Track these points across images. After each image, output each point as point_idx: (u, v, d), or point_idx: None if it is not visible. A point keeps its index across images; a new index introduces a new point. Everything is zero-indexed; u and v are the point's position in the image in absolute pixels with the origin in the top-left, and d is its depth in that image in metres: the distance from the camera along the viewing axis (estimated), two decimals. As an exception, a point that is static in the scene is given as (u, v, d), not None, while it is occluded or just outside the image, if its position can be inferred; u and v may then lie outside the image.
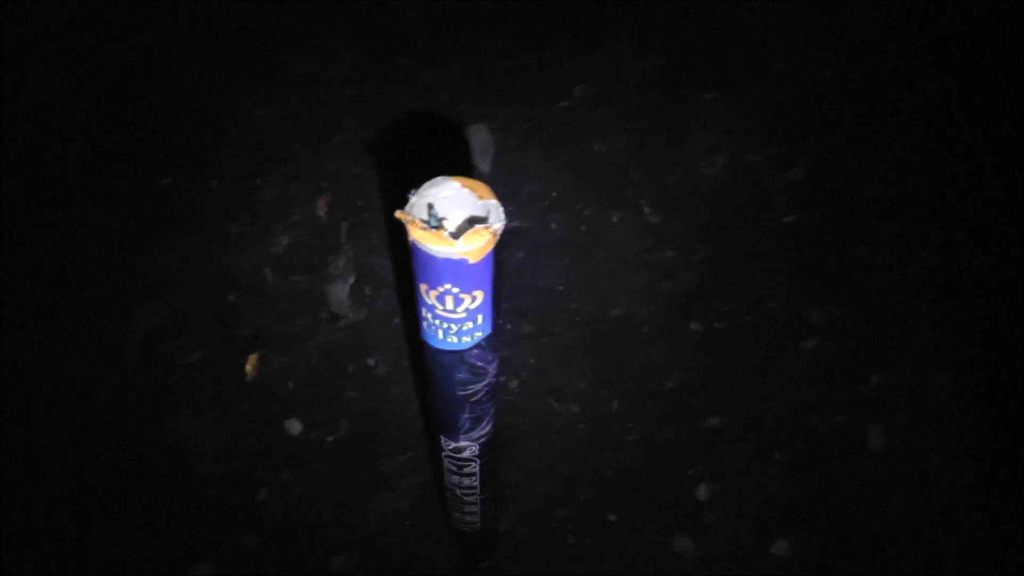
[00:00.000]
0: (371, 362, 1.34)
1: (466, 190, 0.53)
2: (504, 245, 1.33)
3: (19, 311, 1.37)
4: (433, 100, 1.61)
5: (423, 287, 0.55)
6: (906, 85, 1.58)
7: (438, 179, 0.53)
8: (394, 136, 1.55)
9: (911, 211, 1.45)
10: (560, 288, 1.38)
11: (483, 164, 1.48)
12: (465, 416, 0.67)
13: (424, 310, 0.57)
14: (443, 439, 0.72)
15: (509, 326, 1.34)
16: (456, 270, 0.52)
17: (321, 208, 1.47)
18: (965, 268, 1.40)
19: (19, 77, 1.61)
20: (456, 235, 0.51)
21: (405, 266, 1.37)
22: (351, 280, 1.39)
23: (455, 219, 0.53)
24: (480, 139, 1.50)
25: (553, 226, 1.44)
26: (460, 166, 1.48)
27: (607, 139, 1.51)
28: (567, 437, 1.26)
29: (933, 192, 1.46)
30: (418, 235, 0.51)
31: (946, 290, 1.38)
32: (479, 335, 0.59)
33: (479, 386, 0.64)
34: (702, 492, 1.22)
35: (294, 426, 1.29)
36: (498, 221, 0.52)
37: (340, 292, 1.39)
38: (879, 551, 1.19)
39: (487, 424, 0.70)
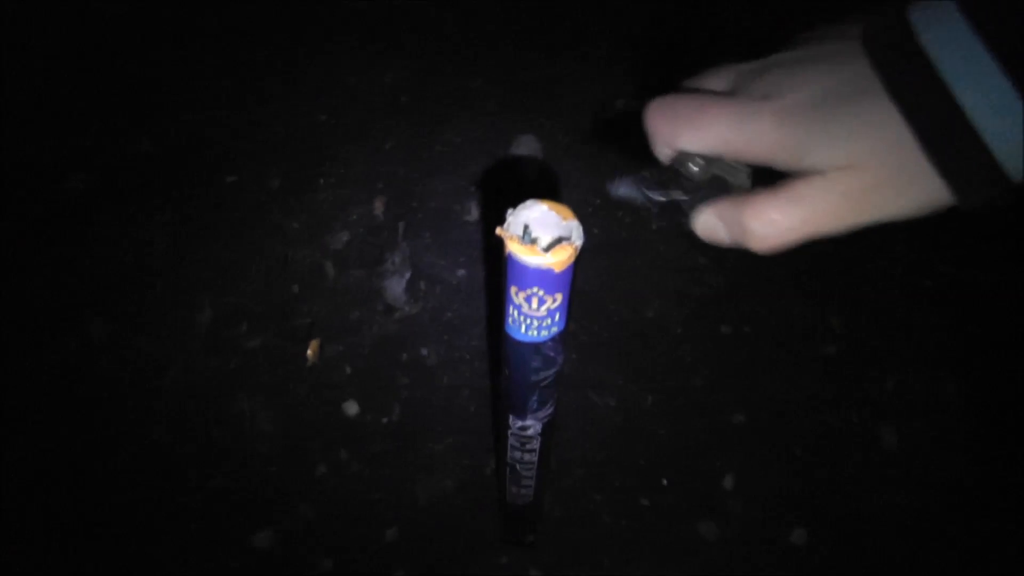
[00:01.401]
0: (424, 352, 1.44)
1: (552, 212, 0.64)
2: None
3: (96, 296, 1.48)
4: (480, 108, 1.72)
5: (513, 289, 0.65)
6: None
7: (529, 202, 0.64)
8: (443, 142, 1.66)
9: (928, 225, 1.54)
10: (599, 290, 1.48)
11: (530, 172, 1.58)
12: (534, 398, 0.78)
13: (511, 308, 0.68)
14: (512, 418, 0.83)
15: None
16: (543, 277, 0.63)
17: (378, 208, 1.57)
18: (981, 281, 1.49)
19: (89, 75, 1.72)
20: (546, 249, 0.62)
21: (457, 264, 1.49)
22: (407, 276, 1.49)
23: (544, 236, 0.64)
24: (528, 148, 1.60)
25: (595, 231, 1.54)
26: (507, 173, 1.58)
27: (647, 151, 1.60)
28: (604, 427, 1.36)
29: (950, 209, 1.55)
30: (514, 248, 0.62)
31: (961, 301, 1.47)
32: (554, 330, 0.70)
33: (549, 373, 0.75)
34: (727, 482, 1.32)
35: (351, 408, 1.39)
36: (579, 239, 0.63)
37: (396, 287, 1.49)
38: (890, 545, 1.29)
39: (550, 406, 0.81)
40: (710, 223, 0.55)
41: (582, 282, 1.47)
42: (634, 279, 1.48)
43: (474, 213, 1.55)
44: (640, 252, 1.50)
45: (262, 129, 1.65)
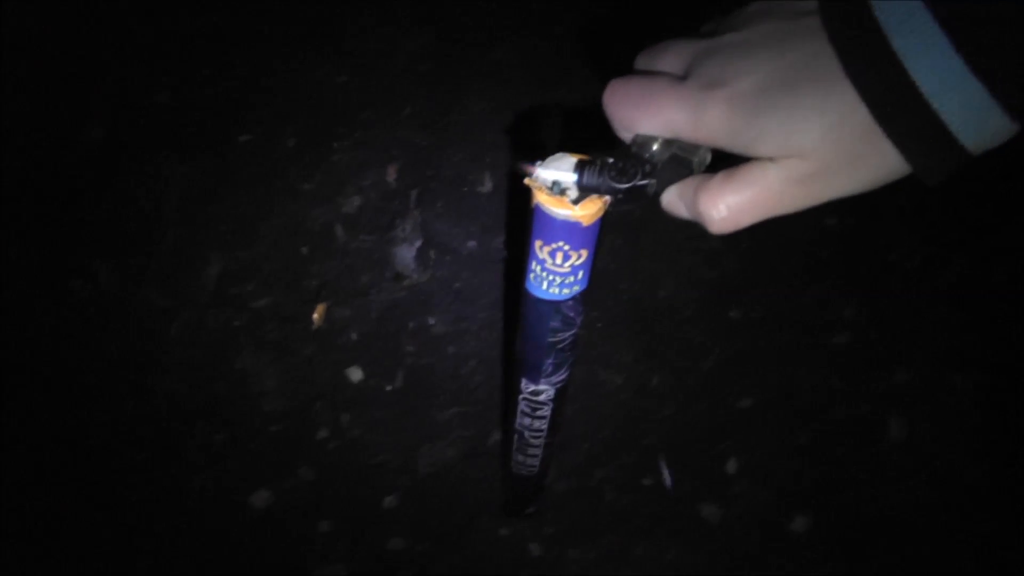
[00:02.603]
0: (431, 321, 1.43)
1: (580, 163, 0.62)
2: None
3: (105, 242, 1.47)
4: (500, 78, 1.70)
5: (538, 243, 0.64)
6: None
7: (560, 154, 0.63)
8: (462, 112, 1.64)
9: (945, 221, 1.53)
10: (612, 269, 1.47)
11: (550, 143, 1.57)
12: (549, 361, 0.77)
13: (534, 263, 0.66)
14: (524, 382, 0.82)
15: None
16: (570, 230, 0.62)
17: (391, 174, 1.56)
18: (994, 278, 1.48)
19: (110, 27, 1.71)
20: (574, 202, 0.60)
21: (469, 234, 1.48)
22: (417, 243, 1.48)
23: (573, 189, 0.62)
24: (551, 120, 1.59)
25: (608, 210, 1.53)
26: (527, 145, 1.57)
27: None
28: (610, 404, 1.35)
29: (967, 204, 1.54)
30: (543, 199, 0.61)
31: (974, 297, 1.46)
32: (576, 288, 0.68)
33: (567, 335, 0.74)
34: (731, 466, 1.31)
35: (355, 373, 1.38)
36: (600, 202, 0.62)
37: (406, 254, 1.48)
38: (891, 538, 1.28)
39: (565, 371, 0.80)
40: (672, 203, 0.58)
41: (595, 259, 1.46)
42: (647, 259, 1.47)
43: (488, 184, 1.54)
44: (654, 233, 1.48)
45: (281, 88, 1.63)
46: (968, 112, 0.43)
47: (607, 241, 1.50)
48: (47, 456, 1.29)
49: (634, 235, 1.51)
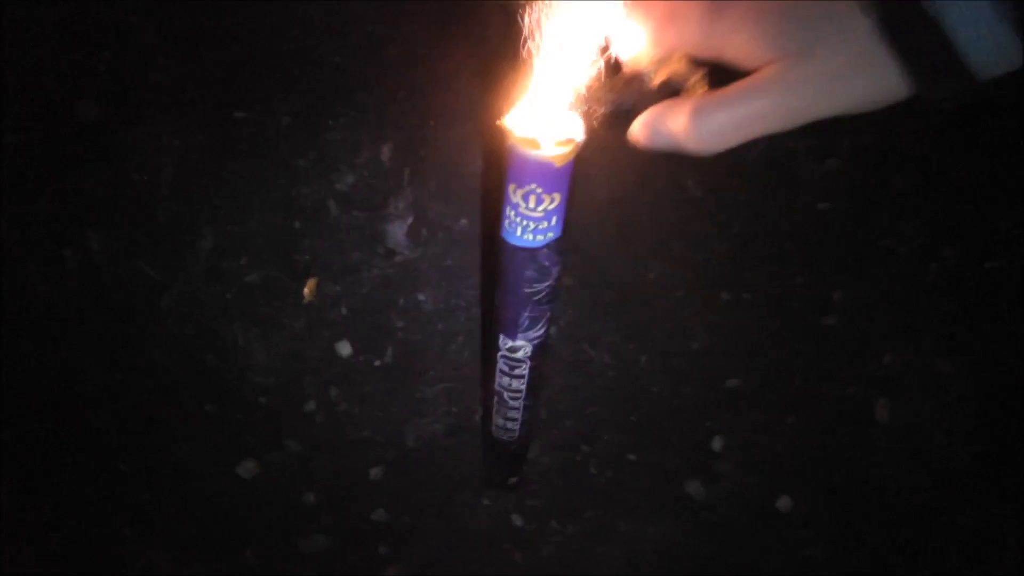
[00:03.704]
0: (421, 297, 1.43)
1: (553, 108, 0.63)
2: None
3: (99, 212, 1.48)
4: (498, 64, 1.71)
5: (512, 187, 0.64)
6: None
7: (533, 100, 0.63)
8: (458, 95, 1.65)
9: (938, 210, 1.54)
10: (602, 250, 1.47)
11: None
12: (526, 314, 0.77)
13: (508, 209, 0.67)
14: (502, 338, 0.82)
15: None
16: (543, 171, 0.62)
17: (385, 153, 1.57)
18: (986, 269, 1.48)
19: (107, 6, 1.72)
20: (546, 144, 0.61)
21: (460, 213, 1.48)
22: (409, 220, 1.49)
23: (544, 131, 0.63)
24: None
25: (597, 190, 1.53)
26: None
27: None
28: (597, 382, 1.35)
29: (962, 193, 1.54)
30: (516, 140, 0.61)
31: (964, 287, 1.46)
32: (551, 235, 0.69)
33: (543, 286, 0.74)
34: (716, 444, 1.31)
35: (344, 348, 1.39)
36: (580, 136, 0.62)
37: (397, 231, 1.49)
38: (876, 517, 1.28)
39: (542, 327, 0.80)
40: (651, 124, 0.58)
41: (584, 239, 1.47)
42: (637, 240, 1.47)
43: (480, 164, 1.54)
44: (644, 214, 1.49)
45: (277, 67, 1.64)
46: (974, 28, 0.43)
47: (598, 224, 1.50)
48: (34, 424, 1.29)
49: (625, 217, 1.51)
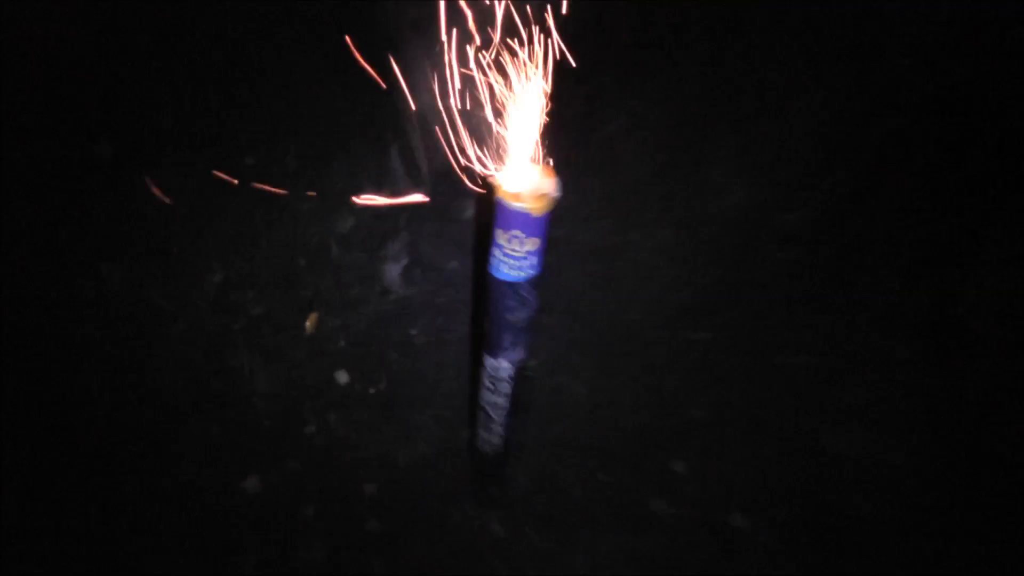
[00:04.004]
0: (413, 332, 1.56)
1: (535, 170, 0.77)
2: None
3: (115, 249, 1.61)
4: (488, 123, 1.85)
5: (498, 232, 0.78)
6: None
7: (519, 162, 0.78)
8: (451, 148, 1.78)
9: (913, 256, 1.67)
10: (584, 293, 1.61)
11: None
12: (509, 338, 0.91)
13: (495, 249, 0.81)
14: (487, 358, 0.96)
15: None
16: (524, 220, 0.76)
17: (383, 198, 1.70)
18: (960, 322, 1.62)
19: (116, 49, 1.84)
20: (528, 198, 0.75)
21: (451, 255, 1.62)
22: (404, 262, 1.62)
23: (526, 188, 0.77)
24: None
25: (580, 238, 1.67)
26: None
27: (636, 168, 1.75)
28: (573, 411, 1.48)
29: (932, 242, 1.68)
30: (502, 194, 0.75)
31: (934, 334, 1.59)
32: (531, 272, 0.83)
33: (523, 315, 0.88)
34: (679, 467, 1.44)
35: (342, 377, 1.51)
36: (554, 192, 0.77)
37: (393, 271, 1.62)
38: (824, 536, 1.41)
39: (522, 351, 0.94)
40: None
41: (566, 281, 1.60)
42: (615, 283, 1.60)
43: (470, 212, 1.68)
44: (623, 259, 1.62)
45: (284, 114, 1.77)
46: None
47: (581, 269, 1.64)
48: (50, 442, 1.41)
49: (604, 263, 1.65)
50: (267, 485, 1.41)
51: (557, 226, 1.49)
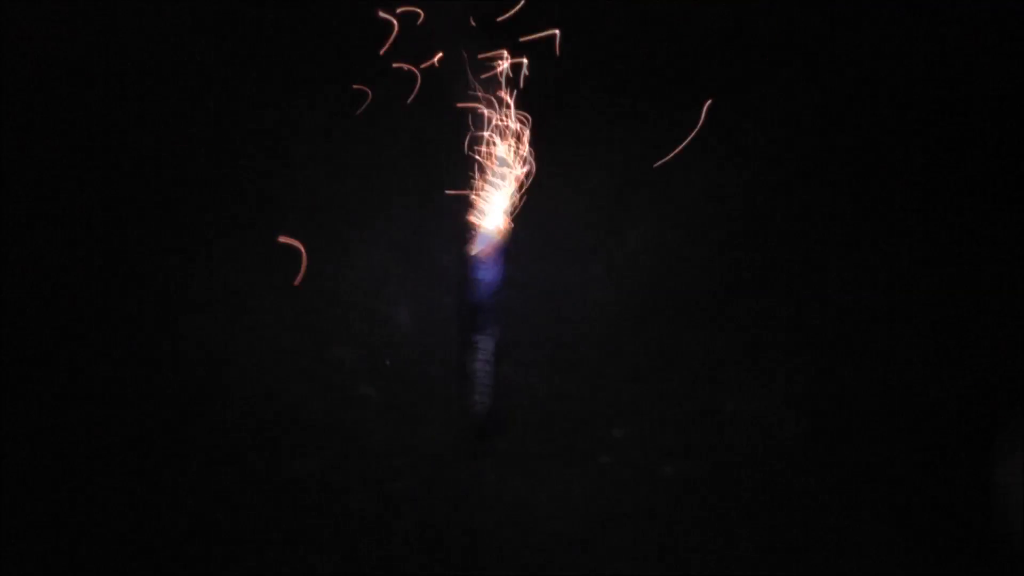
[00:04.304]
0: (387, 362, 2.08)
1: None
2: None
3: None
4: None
5: (474, 247, 1.40)
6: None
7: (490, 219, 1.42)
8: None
9: (893, 263, 2.18)
10: (535, 320, 2.12)
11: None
12: (485, 318, 1.55)
13: (474, 259, 1.43)
14: (474, 336, 1.59)
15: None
16: (490, 240, 1.40)
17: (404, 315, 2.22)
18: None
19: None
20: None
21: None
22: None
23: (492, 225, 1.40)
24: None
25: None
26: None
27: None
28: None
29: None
30: (480, 225, 1.39)
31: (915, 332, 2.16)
32: (495, 273, 1.49)
33: (492, 302, 1.52)
34: (617, 432, 2.01)
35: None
36: (508, 225, 1.39)
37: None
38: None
39: (495, 330, 1.58)
40: None
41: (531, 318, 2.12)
42: (567, 311, 2.14)
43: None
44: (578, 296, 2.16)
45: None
46: None
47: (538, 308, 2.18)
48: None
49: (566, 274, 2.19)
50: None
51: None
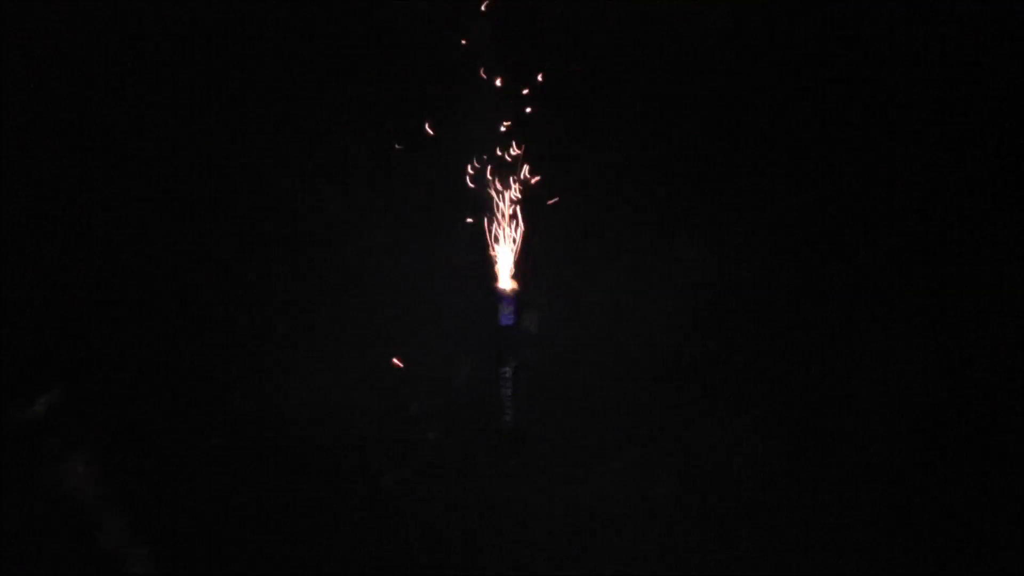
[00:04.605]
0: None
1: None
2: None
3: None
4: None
5: (501, 304, 1.46)
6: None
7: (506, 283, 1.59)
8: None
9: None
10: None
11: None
12: (508, 353, 1.89)
13: (500, 313, 1.50)
14: (501, 369, 2.01)
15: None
16: (509, 296, 1.45)
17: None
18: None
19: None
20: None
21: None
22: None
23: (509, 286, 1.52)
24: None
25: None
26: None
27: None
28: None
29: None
30: (502, 288, 1.43)
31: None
32: (513, 319, 1.62)
33: (512, 340, 1.81)
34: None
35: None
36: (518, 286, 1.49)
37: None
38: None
39: (515, 364, 1.82)
40: None
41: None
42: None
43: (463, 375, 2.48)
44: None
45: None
46: None
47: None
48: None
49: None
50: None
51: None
